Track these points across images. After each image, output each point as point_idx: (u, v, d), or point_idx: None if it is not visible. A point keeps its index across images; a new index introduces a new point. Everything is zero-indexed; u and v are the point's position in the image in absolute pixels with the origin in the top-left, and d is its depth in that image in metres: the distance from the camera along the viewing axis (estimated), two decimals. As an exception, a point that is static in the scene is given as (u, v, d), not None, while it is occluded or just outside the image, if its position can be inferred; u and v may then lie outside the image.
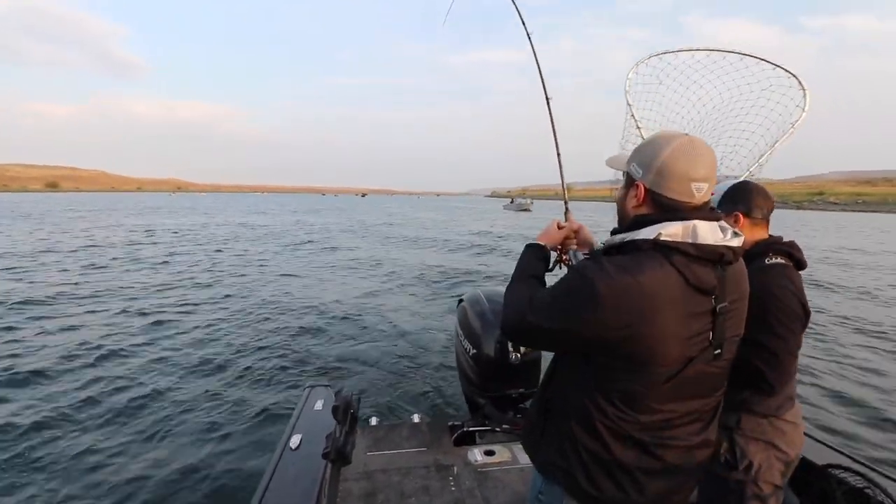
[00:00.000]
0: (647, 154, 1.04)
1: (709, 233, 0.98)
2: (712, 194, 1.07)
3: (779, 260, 1.46)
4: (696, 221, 0.99)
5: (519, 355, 2.42)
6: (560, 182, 1.79)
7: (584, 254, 1.47)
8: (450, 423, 2.61)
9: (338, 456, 1.42)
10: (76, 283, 9.80)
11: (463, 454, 2.29)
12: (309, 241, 20.14)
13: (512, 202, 66.80)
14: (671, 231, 0.98)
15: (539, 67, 1.82)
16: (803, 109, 1.95)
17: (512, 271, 1.27)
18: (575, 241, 1.49)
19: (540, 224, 1.55)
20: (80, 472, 3.35)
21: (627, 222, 1.08)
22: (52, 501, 3.06)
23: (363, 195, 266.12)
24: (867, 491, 1.63)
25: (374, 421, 2.74)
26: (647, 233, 1.00)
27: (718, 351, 1.03)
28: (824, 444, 2.02)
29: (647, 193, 1.04)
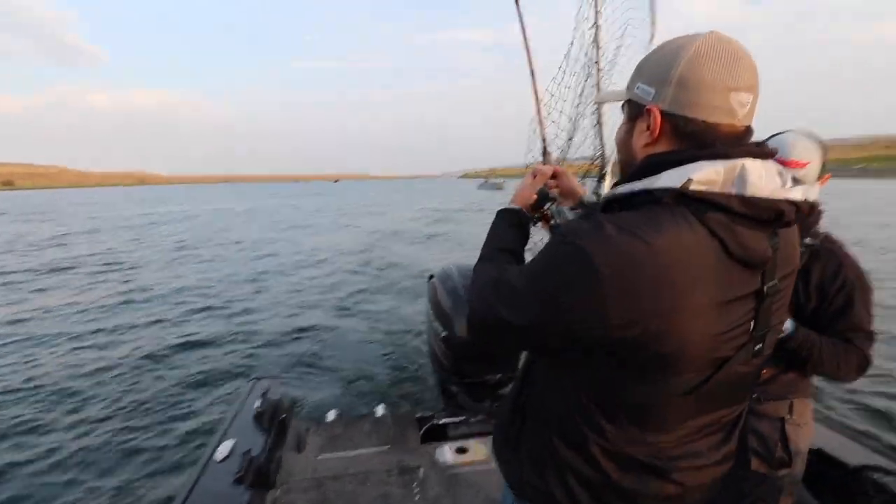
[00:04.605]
0: (659, 64, 0.68)
1: (763, 178, 0.64)
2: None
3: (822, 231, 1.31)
4: (743, 160, 0.64)
5: None
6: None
7: (572, 208, 1.07)
8: (418, 416, 2.33)
9: (256, 479, 1.07)
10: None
11: (431, 452, 2.00)
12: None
13: (486, 182, 73.81)
14: (706, 175, 0.63)
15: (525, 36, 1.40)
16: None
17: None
18: (557, 190, 1.08)
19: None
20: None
21: (637, 166, 0.72)
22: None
23: (336, 181, 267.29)
24: None
25: (331, 416, 2.41)
26: (669, 178, 0.65)
27: (759, 346, 0.72)
28: (853, 439, 1.81)
29: (665, 120, 0.68)
